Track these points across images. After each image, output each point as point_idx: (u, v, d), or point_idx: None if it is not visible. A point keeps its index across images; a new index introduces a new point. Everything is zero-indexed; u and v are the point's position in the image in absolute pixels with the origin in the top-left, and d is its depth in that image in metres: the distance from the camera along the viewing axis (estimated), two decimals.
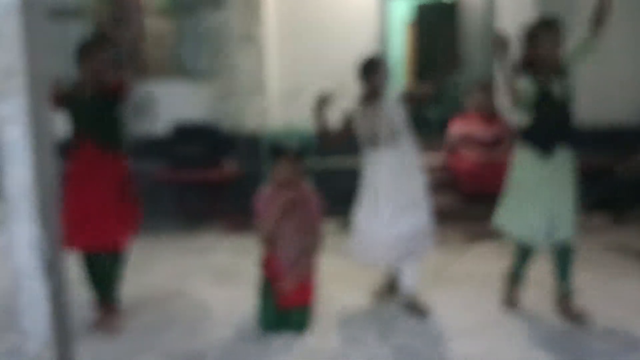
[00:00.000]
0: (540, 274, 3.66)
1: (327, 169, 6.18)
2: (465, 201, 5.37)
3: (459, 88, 7.01)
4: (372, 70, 3.51)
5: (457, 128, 5.48)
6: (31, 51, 2.18)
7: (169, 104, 6.08)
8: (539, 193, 3.27)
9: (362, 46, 6.15)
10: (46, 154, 2.32)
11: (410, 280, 3.54)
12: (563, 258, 3.36)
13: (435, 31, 8.71)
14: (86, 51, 3.36)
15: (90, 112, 3.37)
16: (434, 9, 9.49)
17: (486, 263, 4.50)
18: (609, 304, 3.59)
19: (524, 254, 3.48)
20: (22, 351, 2.32)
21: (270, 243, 3.45)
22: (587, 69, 5.77)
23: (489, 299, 3.73)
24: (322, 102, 3.56)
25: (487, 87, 5.65)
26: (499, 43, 3.29)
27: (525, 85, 3.27)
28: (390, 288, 3.79)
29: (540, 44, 3.24)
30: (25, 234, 2.24)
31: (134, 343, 3.29)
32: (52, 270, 2.30)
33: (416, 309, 3.52)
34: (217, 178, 5.92)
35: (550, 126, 3.28)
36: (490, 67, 6.18)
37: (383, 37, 6.27)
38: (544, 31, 3.25)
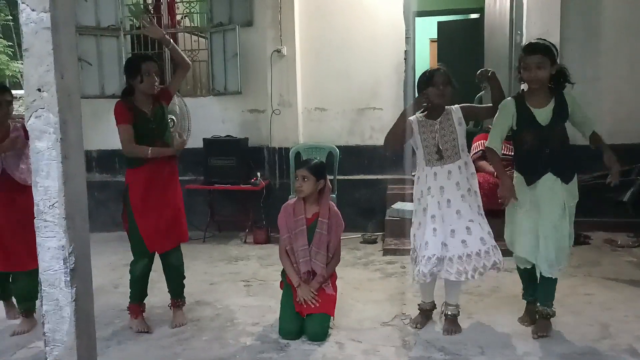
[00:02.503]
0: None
1: (351, 183, 6.24)
2: (487, 217, 5.32)
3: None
4: (428, 83, 3.33)
5: (479, 145, 5.45)
6: (61, 66, 2.27)
7: (201, 119, 6.25)
8: (526, 218, 3.29)
9: (389, 63, 6.25)
10: (75, 166, 2.40)
11: (454, 297, 3.51)
12: (547, 283, 3.34)
13: (458, 47, 8.73)
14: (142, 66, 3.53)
15: (155, 123, 3.61)
16: (457, 25, 9.53)
17: (509, 278, 4.45)
18: (632, 323, 3.53)
19: (523, 274, 3.53)
20: (47, 358, 2.40)
21: (290, 253, 3.59)
22: (624, 86, 5.80)
23: (512, 314, 3.70)
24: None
25: None
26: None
27: (511, 110, 3.27)
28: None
29: (524, 69, 3.19)
30: (51, 243, 2.33)
31: (160, 350, 3.36)
32: (77, 278, 2.37)
33: (454, 326, 3.50)
34: (247, 190, 6.10)
35: (533, 154, 3.24)
36: (514, 83, 6.15)
37: (409, 53, 6.29)
38: (527, 56, 3.17)
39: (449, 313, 3.51)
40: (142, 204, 3.55)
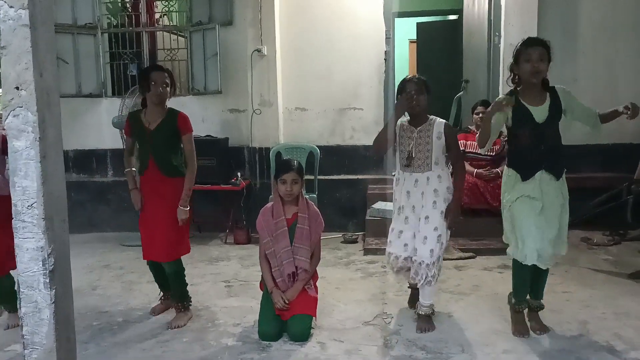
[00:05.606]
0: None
1: (332, 182, 6.24)
2: (466, 216, 5.37)
3: (461, 106, 7.05)
4: (400, 91, 3.41)
5: (459, 145, 5.49)
6: (40, 64, 2.23)
7: None
8: (531, 212, 3.24)
9: (369, 63, 6.27)
10: (54, 166, 2.36)
11: (427, 299, 3.51)
12: (540, 277, 3.41)
13: (437, 48, 8.81)
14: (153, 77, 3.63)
15: (153, 137, 3.66)
16: (435, 26, 9.62)
17: (489, 276, 4.51)
18: (610, 320, 3.59)
19: (524, 273, 3.37)
20: None
21: (270, 256, 3.56)
22: (602, 87, 5.89)
23: (492, 312, 3.74)
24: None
25: (488, 105, 5.66)
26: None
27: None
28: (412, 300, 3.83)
29: (526, 61, 3.16)
30: (29, 244, 2.29)
31: (140, 353, 3.32)
32: (56, 280, 2.33)
33: (427, 324, 3.52)
34: (227, 190, 6.06)
35: (529, 150, 3.24)
36: (492, 84, 6.21)
37: (389, 54, 6.32)
38: (529, 47, 3.16)
39: (422, 312, 3.54)
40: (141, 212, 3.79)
